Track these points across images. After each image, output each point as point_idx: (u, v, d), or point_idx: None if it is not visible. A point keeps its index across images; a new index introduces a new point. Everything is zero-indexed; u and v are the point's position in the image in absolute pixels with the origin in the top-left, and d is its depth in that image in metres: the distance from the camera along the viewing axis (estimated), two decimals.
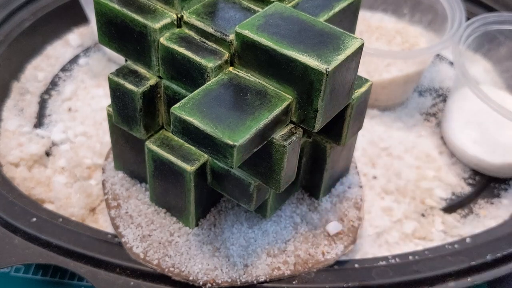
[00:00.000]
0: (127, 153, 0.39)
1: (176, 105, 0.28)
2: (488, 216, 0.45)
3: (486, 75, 0.56)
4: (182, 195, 0.36)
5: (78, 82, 0.55)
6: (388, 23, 0.60)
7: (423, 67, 0.53)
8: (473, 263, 0.38)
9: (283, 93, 0.30)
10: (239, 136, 0.27)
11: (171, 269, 0.36)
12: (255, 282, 0.36)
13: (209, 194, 0.37)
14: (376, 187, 0.46)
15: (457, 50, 0.48)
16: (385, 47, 0.55)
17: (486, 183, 0.48)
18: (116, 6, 0.32)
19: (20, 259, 0.37)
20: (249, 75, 0.30)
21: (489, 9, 0.60)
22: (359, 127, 0.37)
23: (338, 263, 0.38)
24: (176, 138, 0.35)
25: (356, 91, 0.33)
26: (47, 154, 0.48)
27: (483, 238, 0.41)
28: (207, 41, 0.31)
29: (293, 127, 0.30)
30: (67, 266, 0.36)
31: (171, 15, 0.32)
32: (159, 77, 0.34)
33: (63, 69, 0.56)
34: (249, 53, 0.30)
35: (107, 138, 0.48)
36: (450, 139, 0.50)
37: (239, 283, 0.35)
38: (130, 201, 0.40)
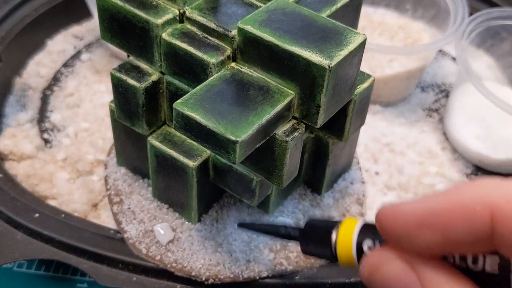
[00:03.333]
0: (129, 148, 0.39)
1: (179, 101, 0.28)
2: None
3: (489, 71, 0.56)
4: (185, 191, 0.36)
5: (81, 78, 0.55)
6: (390, 18, 0.60)
7: (426, 62, 0.52)
8: None
9: (285, 88, 0.30)
10: (241, 131, 0.27)
11: (174, 264, 0.36)
12: (257, 277, 0.36)
13: (212, 190, 0.37)
14: (378, 183, 0.46)
15: (459, 46, 0.48)
16: (387, 43, 0.55)
17: None
18: (119, 2, 0.32)
19: (23, 255, 0.37)
20: (251, 70, 0.30)
21: (492, 4, 0.60)
22: (362, 122, 0.37)
23: None
24: (178, 134, 0.35)
25: (358, 87, 0.33)
26: (49, 149, 0.48)
27: None
28: (209, 37, 0.31)
29: (295, 123, 0.30)
30: (70, 262, 0.36)
31: (173, 11, 0.32)
32: (162, 72, 0.33)
33: (65, 64, 0.56)
34: (252, 49, 0.30)
35: (109, 134, 0.48)
36: (453, 135, 0.50)
37: (241, 278, 0.35)
38: (132, 196, 0.40)
